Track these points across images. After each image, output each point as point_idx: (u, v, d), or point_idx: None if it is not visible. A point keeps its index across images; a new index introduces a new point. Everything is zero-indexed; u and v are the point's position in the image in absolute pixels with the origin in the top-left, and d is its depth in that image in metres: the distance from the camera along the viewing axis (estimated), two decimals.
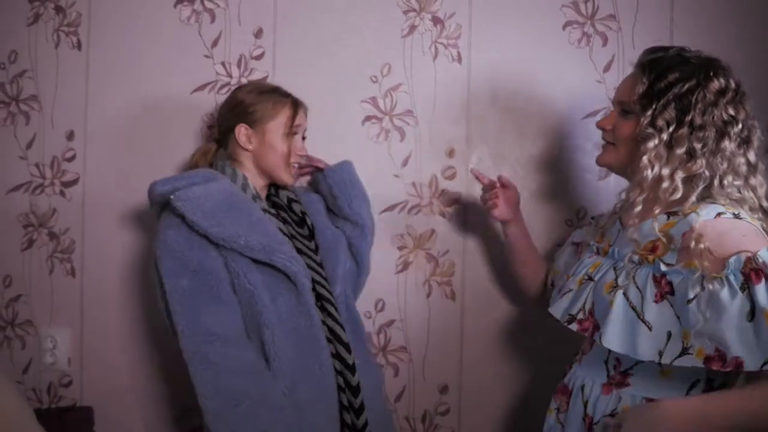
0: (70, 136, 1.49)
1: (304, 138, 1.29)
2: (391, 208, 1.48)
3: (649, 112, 0.96)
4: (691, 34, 1.44)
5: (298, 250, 1.21)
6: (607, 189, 1.48)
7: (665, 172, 0.95)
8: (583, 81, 1.48)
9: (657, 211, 0.96)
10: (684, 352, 0.88)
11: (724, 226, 0.90)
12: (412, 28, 1.47)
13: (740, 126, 0.95)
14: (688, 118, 0.94)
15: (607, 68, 1.48)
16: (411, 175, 1.48)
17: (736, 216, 0.92)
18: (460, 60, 1.48)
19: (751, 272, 0.84)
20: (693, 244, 0.89)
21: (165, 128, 1.48)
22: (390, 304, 1.49)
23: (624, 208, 1.09)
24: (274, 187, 1.30)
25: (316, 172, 1.39)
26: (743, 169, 0.96)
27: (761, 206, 0.97)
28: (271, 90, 1.24)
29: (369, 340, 1.46)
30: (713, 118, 0.93)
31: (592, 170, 1.49)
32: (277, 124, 1.21)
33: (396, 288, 1.49)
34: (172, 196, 1.08)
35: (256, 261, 1.10)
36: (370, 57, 1.47)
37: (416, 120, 1.48)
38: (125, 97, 1.47)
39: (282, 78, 1.45)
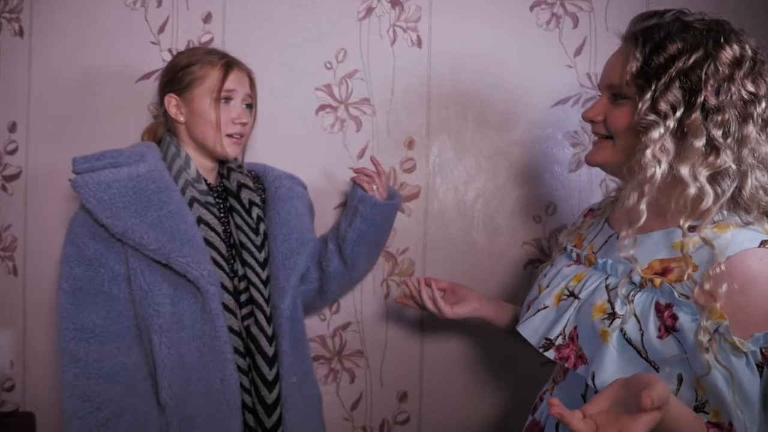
0: (12, 127, 1.41)
1: (250, 107, 1.16)
2: (345, 203, 1.39)
3: (649, 95, 0.76)
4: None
5: (241, 245, 1.12)
6: (579, 182, 1.38)
7: (685, 171, 0.73)
8: (553, 66, 1.38)
9: (684, 223, 0.75)
10: (700, 408, 0.72)
11: (762, 272, 0.70)
12: (369, 10, 1.38)
13: (764, 103, 0.75)
14: (700, 99, 0.73)
15: (578, 52, 1.37)
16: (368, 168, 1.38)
17: None
18: (420, 44, 1.38)
19: None
20: (721, 286, 0.70)
21: (111, 119, 1.40)
22: (346, 305, 1.40)
23: (614, 210, 0.95)
24: (229, 168, 1.20)
25: (356, 182, 1.23)
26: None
27: None
28: (204, 52, 1.12)
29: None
30: (731, 96, 0.73)
31: (562, 162, 1.38)
32: (204, 89, 1.08)
33: (352, 288, 1.40)
34: (70, 180, 1.00)
35: (157, 260, 1.01)
36: (325, 42, 1.38)
37: (373, 109, 1.38)
38: (69, 86, 1.40)
39: None
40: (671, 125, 0.75)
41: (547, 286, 0.94)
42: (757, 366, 0.69)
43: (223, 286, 1.06)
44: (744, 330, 0.70)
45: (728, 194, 0.75)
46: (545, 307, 0.91)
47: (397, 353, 1.41)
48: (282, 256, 1.15)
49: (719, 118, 0.74)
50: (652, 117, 0.76)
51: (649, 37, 0.78)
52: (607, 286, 0.83)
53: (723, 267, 0.71)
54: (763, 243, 0.73)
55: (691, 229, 0.77)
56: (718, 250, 0.72)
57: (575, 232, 1.02)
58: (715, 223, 0.76)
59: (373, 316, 1.40)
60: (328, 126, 1.39)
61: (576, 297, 0.87)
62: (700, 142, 0.74)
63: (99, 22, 1.39)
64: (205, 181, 1.15)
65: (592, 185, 1.38)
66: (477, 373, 1.42)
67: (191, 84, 1.09)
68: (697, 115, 0.74)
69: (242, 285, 1.11)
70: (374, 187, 1.21)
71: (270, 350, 1.10)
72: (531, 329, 0.91)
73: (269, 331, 1.10)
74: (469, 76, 1.38)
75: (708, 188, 0.74)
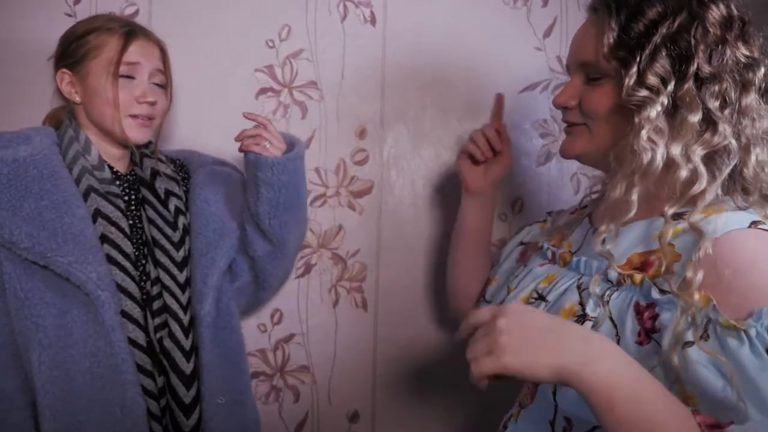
0: None
1: (160, 85, 1.00)
2: None
3: (634, 68, 0.66)
4: None
5: (153, 242, 0.96)
6: (548, 176, 1.27)
7: (676, 151, 0.64)
8: (520, 48, 1.26)
9: (668, 209, 0.66)
10: None
11: (758, 248, 0.60)
12: None
13: (763, 69, 0.66)
14: (692, 67, 0.64)
15: (547, 33, 1.25)
16: (314, 160, 1.24)
17: None
18: (373, 22, 1.24)
19: None
20: (706, 272, 0.59)
21: (17, 100, 1.22)
22: (289, 315, 1.25)
23: (598, 205, 0.83)
24: (143, 154, 1.04)
25: (244, 150, 1.02)
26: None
27: None
28: (105, 19, 0.97)
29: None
30: (726, 61, 0.65)
31: (530, 154, 1.26)
32: (100, 63, 0.93)
33: (296, 296, 1.25)
34: None
35: (35, 262, 0.84)
36: (266, 16, 1.22)
37: (321, 93, 1.24)
38: None
39: None
40: (665, 101, 0.65)
41: (516, 288, 0.82)
42: (767, 351, 0.55)
43: (126, 292, 0.91)
44: (739, 312, 0.57)
45: (725, 174, 0.64)
46: None
47: (347, 368, 1.27)
48: (198, 252, 1.00)
49: (716, 87, 0.64)
50: (643, 93, 0.66)
51: (622, 2, 0.69)
52: (578, 287, 0.71)
53: (709, 250, 0.60)
54: (753, 224, 0.62)
55: (676, 216, 0.65)
56: (706, 234, 0.61)
57: (555, 230, 0.90)
58: (708, 209, 0.64)
59: (320, 327, 1.26)
60: (270, 112, 1.24)
61: (544, 300, 0.75)
62: (695, 117, 0.63)
63: None
64: (112, 169, 0.99)
65: (562, 179, 1.26)
66: (436, 390, 1.29)
67: (85, 56, 0.93)
68: (690, 85, 0.64)
69: (155, 290, 0.95)
70: (266, 144, 1.00)
71: (188, 367, 0.95)
72: None
73: (186, 343, 0.95)
74: (428, 58, 1.25)
75: (702, 169, 0.64)
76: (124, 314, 0.91)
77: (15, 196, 0.85)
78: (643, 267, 0.66)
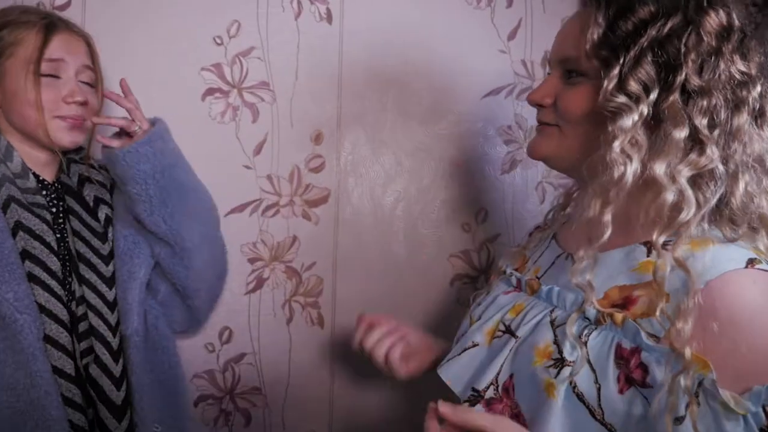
0: None
1: (90, 84, 0.91)
2: (239, 209, 1.16)
3: (616, 70, 0.60)
4: None
5: (78, 255, 0.88)
6: (513, 185, 1.23)
7: (660, 170, 0.58)
8: (484, 50, 1.22)
9: (657, 238, 0.59)
10: None
11: (752, 297, 0.54)
12: None
13: (759, 87, 0.61)
14: (679, 77, 0.58)
15: (512, 35, 1.21)
16: (266, 166, 1.17)
17: None
18: (330, 19, 1.17)
19: None
20: (701, 324, 0.53)
21: None
22: (239, 333, 1.17)
23: (564, 223, 0.78)
24: (70, 160, 0.95)
25: (105, 147, 0.91)
26: (759, 163, 0.61)
27: None
28: (21, 11, 0.88)
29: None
30: (719, 75, 0.59)
31: (494, 161, 1.22)
32: (18, 61, 0.83)
33: (247, 312, 1.17)
34: None
35: None
36: (213, 11, 1.14)
37: (273, 95, 1.16)
38: None
39: (94, 36, 1.08)
40: (645, 111, 0.59)
41: (479, 318, 0.76)
42: (760, 431, 0.51)
43: (51, 314, 0.82)
44: (736, 383, 0.52)
45: (712, 203, 0.58)
46: (474, 345, 0.72)
47: (302, 389, 1.20)
48: (118, 264, 0.91)
49: (704, 102, 0.58)
50: (621, 99, 0.60)
51: None
52: (552, 322, 0.65)
53: (701, 297, 0.54)
54: (750, 262, 0.56)
55: (666, 245, 0.59)
56: (694, 275, 0.55)
57: (519, 253, 0.83)
58: (690, 238, 0.58)
59: (273, 346, 1.18)
60: (218, 114, 1.15)
61: (513, 335, 0.68)
62: (681, 133, 0.57)
63: None
64: (38, 177, 0.90)
65: (527, 189, 1.22)
66: (397, 411, 1.24)
67: (0, 55, 0.84)
68: (675, 97, 0.58)
69: (81, 310, 0.87)
70: (135, 128, 0.89)
71: (118, 396, 0.86)
72: (455, 373, 0.73)
73: (116, 369, 0.86)
74: (388, 59, 1.19)
75: (689, 193, 0.57)
76: (49, 340, 0.82)
77: None
78: (624, 303, 0.60)
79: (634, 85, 0.59)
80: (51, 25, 0.86)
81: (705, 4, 0.59)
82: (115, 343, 0.87)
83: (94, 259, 0.89)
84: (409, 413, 1.23)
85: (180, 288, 0.98)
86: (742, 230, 0.59)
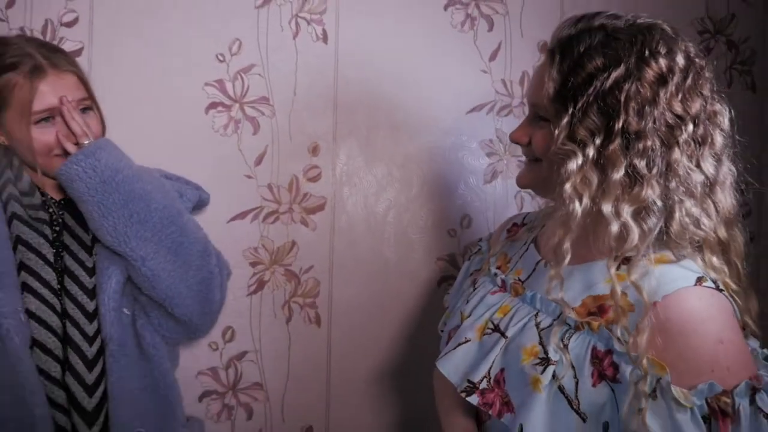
0: None
1: (85, 110, 0.94)
2: (241, 216, 1.22)
3: (565, 120, 0.67)
4: None
5: (64, 268, 0.93)
6: (494, 194, 1.32)
7: (606, 208, 0.66)
8: (468, 69, 1.30)
9: (610, 266, 0.68)
10: None
11: (698, 309, 0.64)
12: None
13: (691, 126, 0.67)
14: (619, 124, 0.65)
15: (493, 56, 1.31)
16: (266, 176, 1.23)
17: (717, 287, 0.67)
18: (325, 39, 1.24)
19: (720, 412, 0.61)
20: (657, 333, 0.63)
21: None
22: (241, 332, 1.23)
23: (543, 232, 0.86)
24: None
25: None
26: (699, 188, 0.68)
27: (719, 239, 0.69)
28: (11, 54, 0.88)
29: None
30: (654, 121, 0.66)
31: (477, 172, 1.31)
32: (15, 112, 0.87)
33: (249, 313, 1.24)
34: None
35: None
36: (217, 30, 1.20)
37: (273, 109, 1.23)
38: None
39: (102, 52, 1.17)
40: (591, 154, 0.67)
41: (469, 315, 0.84)
42: (703, 418, 0.62)
43: (41, 320, 0.88)
44: (685, 380, 0.63)
45: (655, 232, 0.67)
46: (466, 341, 0.81)
47: (300, 384, 1.27)
48: (96, 275, 0.94)
49: (641, 145, 0.66)
50: (569, 146, 0.68)
51: (567, 51, 0.70)
52: (537, 325, 0.74)
53: (658, 309, 0.64)
54: (698, 280, 0.66)
55: (625, 261, 0.69)
56: (650, 292, 0.65)
57: (499, 252, 0.93)
58: (656, 258, 0.68)
59: (274, 344, 1.25)
60: (221, 127, 1.21)
61: (502, 334, 0.77)
62: (618, 174, 0.66)
63: None
64: (45, 195, 0.96)
65: (507, 197, 1.32)
66: (391, 404, 1.31)
67: (1, 107, 0.88)
68: (617, 143, 0.66)
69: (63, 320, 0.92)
70: (85, 141, 0.90)
71: (90, 403, 0.90)
72: (451, 366, 0.81)
73: (89, 377, 0.91)
74: (380, 76, 1.27)
75: (632, 225, 0.66)
76: (37, 344, 0.87)
77: None
78: (599, 311, 0.69)
79: (581, 133, 0.67)
80: (36, 69, 0.87)
81: (647, 54, 0.66)
82: (90, 352, 0.91)
83: (79, 271, 0.94)
84: (402, 407, 1.31)
85: (152, 296, 0.96)
86: (686, 251, 0.69)
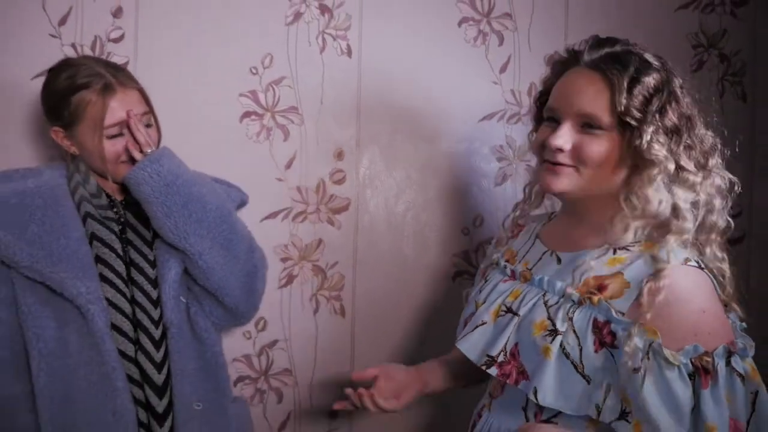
0: None
1: (149, 125, 1.04)
2: (273, 216, 1.33)
3: (651, 128, 0.77)
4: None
5: (130, 262, 1.03)
6: (504, 196, 1.43)
7: (683, 203, 0.80)
8: (480, 81, 1.41)
9: (636, 227, 0.81)
10: (623, 416, 0.76)
11: (684, 284, 0.77)
12: (297, 15, 1.33)
13: (711, 138, 0.85)
14: (684, 137, 0.81)
15: (503, 69, 1.42)
16: (296, 179, 1.34)
17: (700, 266, 0.80)
18: (350, 53, 1.35)
19: (702, 370, 0.73)
20: (652, 304, 0.75)
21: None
22: (272, 322, 1.34)
23: (547, 228, 0.98)
24: None
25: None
26: (723, 189, 0.84)
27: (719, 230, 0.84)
28: (85, 74, 0.98)
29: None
30: (697, 131, 0.82)
31: (488, 175, 1.42)
32: (87, 126, 0.98)
33: (279, 304, 1.34)
34: None
35: (36, 279, 0.94)
36: (250, 45, 1.30)
37: (301, 118, 1.33)
38: None
39: (146, 66, 1.27)
40: (671, 163, 0.79)
41: (484, 302, 0.95)
42: (689, 376, 0.74)
43: (117, 307, 0.99)
44: (673, 344, 0.75)
45: (699, 219, 0.82)
46: (483, 323, 0.92)
47: (327, 370, 1.37)
48: (157, 267, 1.05)
49: (692, 152, 0.81)
50: (663, 153, 0.79)
51: (624, 67, 0.80)
52: (545, 303, 0.86)
53: (652, 284, 0.77)
54: (685, 260, 0.79)
55: (622, 249, 0.83)
56: (651, 265, 0.78)
57: (506, 248, 1.04)
58: (639, 242, 0.82)
59: (302, 333, 1.35)
60: (254, 134, 1.32)
61: (514, 313, 0.88)
62: (691, 176, 0.80)
63: None
64: (110, 197, 1.07)
65: (516, 199, 1.40)
66: None
67: (72, 120, 0.99)
68: (681, 148, 0.80)
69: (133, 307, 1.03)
70: (148, 150, 1.00)
71: (159, 378, 1.01)
72: (470, 345, 0.92)
73: (158, 356, 1.02)
74: (399, 88, 1.37)
75: (690, 216, 0.80)
76: (114, 327, 0.99)
77: (20, 222, 0.94)
78: (599, 288, 0.81)
79: (661, 141, 0.79)
80: (107, 87, 0.97)
81: (670, 68, 0.82)
82: (156, 334, 1.02)
83: (143, 264, 1.05)
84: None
85: (206, 286, 1.06)
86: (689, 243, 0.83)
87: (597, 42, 0.84)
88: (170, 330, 1.03)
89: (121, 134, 1.00)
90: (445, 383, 1.08)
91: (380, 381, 1.02)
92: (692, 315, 0.76)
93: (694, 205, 0.81)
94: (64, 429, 0.93)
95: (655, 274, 0.77)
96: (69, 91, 0.97)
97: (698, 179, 0.80)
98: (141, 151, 1.00)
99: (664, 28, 1.48)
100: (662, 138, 0.79)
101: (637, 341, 0.75)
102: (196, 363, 1.06)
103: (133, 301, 1.01)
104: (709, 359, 0.73)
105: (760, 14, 1.54)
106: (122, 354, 0.98)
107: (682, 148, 0.80)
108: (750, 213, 1.53)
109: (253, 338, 1.33)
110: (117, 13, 1.26)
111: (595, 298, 0.80)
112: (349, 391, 1.04)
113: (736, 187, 0.85)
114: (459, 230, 1.42)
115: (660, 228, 0.82)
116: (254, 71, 1.31)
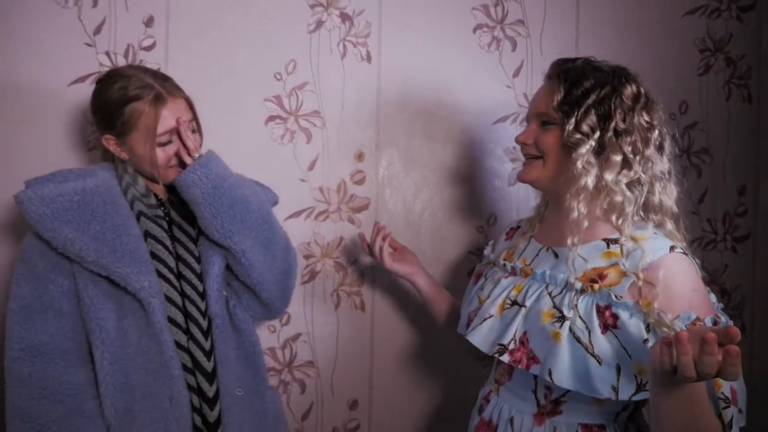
0: None
1: (194, 131, 1.11)
2: (296, 215, 1.39)
3: (573, 119, 0.92)
4: (595, 44, 1.47)
5: (178, 257, 1.09)
6: (517, 195, 1.48)
7: (609, 176, 0.91)
8: (494, 85, 1.46)
9: (625, 230, 0.92)
10: (640, 388, 0.84)
11: (677, 269, 0.87)
12: (319, 23, 1.39)
13: (656, 132, 0.94)
14: (612, 123, 0.91)
15: (516, 73, 1.47)
16: (318, 180, 1.40)
17: (684, 252, 0.90)
18: (369, 59, 1.41)
19: None
20: (649, 285, 0.85)
21: (37, 124, 1.30)
22: (296, 316, 1.40)
23: (540, 228, 1.06)
24: None
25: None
26: (665, 176, 0.95)
27: (673, 213, 0.96)
28: (137, 86, 1.03)
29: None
30: (634, 122, 0.92)
31: (502, 176, 1.47)
32: (140, 134, 1.03)
33: (302, 299, 1.41)
34: (14, 195, 0.98)
35: (99, 273, 0.99)
36: (274, 52, 1.37)
37: (323, 121, 1.40)
38: None
39: (175, 72, 1.30)
40: (593, 143, 0.92)
41: (488, 297, 1.03)
42: None
43: (171, 300, 1.05)
44: (669, 313, 0.85)
45: (642, 199, 0.94)
46: (490, 316, 1.00)
47: (347, 362, 1.43)
48: (201, 256, 1.11)
49: (628, 138, 0.92)
50: (578, 135, 0.93)
51: (568, 75, 0.96)
52: (549, 294, 0.94)
53: (648, 270, 0.86)
54: (671, 248, 0.89)
55: (612, 242, 0.93)
56: (648, 251, 0.88)
57: (502, 249, 1.12)
58: (637, 235, 0.91)
59: (324, 327, 1.42)
60: (278, 137, 1.38)
61: (521, 305, 0.96)
62: (618, 157, 0.91)
63: (27, 20, 1.29)
64: (156, 196, 1.13)
65: (528, 198, 1.48)
66: (425, 378, 1.47)
67: (124, 129, 1.04)
68: (611, 135, 0.92)
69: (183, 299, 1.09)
70: (196, 154, 1.06)
71: (209, 365, 1.07)
72: (480, 337, 1.00)
73: (206, 345, 1.08)
74: (417, 92, 1.43)
75: (628, 193, 0.92)
76: (170, 319, 1.04)
77: (84, 219, 0.99)
78: (598, 277, 0.91)
79: (585, 128, 0.92)
80: (158, 97, 1.02)
81: (624, 80, 0.94)
82: (204, 324, 1.08)
83: (189, 259, 1.10)
84: (436, 383, 1.47)
85: (246, 282, 1.13)
86: (658, 218, 0.94)
87: (559, 61, 1.00)
88: (215, 321, 1.09)
89: (170, 141, 1.06)
90: (431, 298, 1.26)
91: (394, 243, 1.27)
92: (685, 293, 0.86)
93: (633, 185, 0.92)
94: (125, 414, 0.99)
95: (650, 265, 0.87)
96: (121, 102, 1.02)
97: (618, 159, 0.91)
98: (190, 156, 1.06)
99: (672, 33, 1.53)
100: (586, 127, 0.92)
101: (640, 317, 0.85)
102: (237, 352, 1.12)
103: (183, 295, 1.07)
104: (701, 324, 0.84)
105: (765, 19, 1.58)
106: (177, 344, 1.04)
107: (612, 134, 0.91)
108: (755, 212, 1.58)
109: (277, 332, 1.40)
110: (149, 22, 1.33)
111: (596, 286, 0.89)
112: (362, 233, 1.31)
113: (672, 174, 0.96)
114: (474, 228, 1.48)
115: (609, 211, 0.93)
116: (278, 77, 1.37)
